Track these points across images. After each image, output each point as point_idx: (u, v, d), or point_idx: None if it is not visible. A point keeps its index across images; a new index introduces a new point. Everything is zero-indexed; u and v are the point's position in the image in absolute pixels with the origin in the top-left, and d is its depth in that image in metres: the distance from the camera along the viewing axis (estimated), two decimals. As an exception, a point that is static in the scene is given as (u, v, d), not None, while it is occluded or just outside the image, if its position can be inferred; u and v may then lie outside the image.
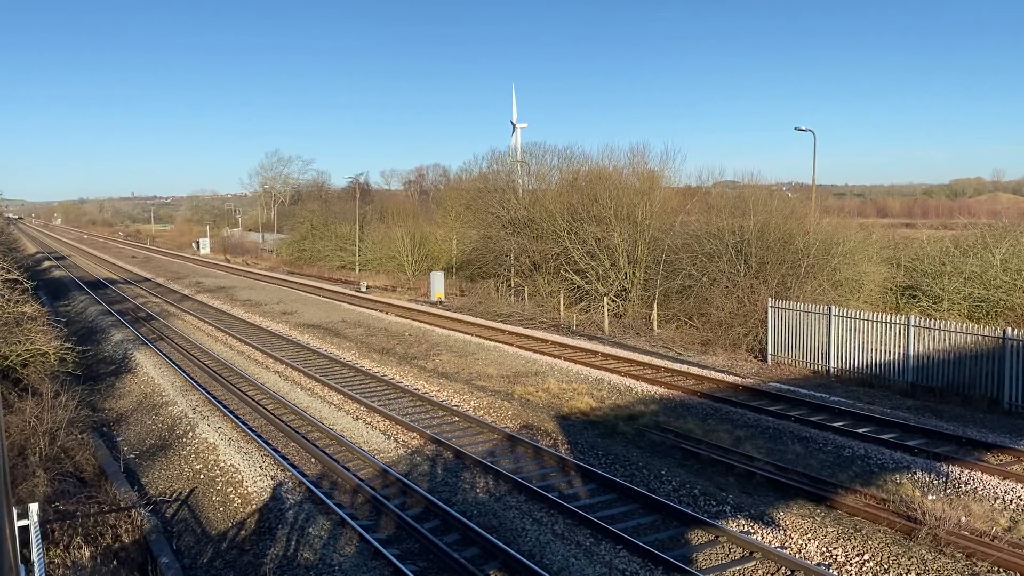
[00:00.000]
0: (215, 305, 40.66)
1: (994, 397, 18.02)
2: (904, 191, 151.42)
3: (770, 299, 24.51)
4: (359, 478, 13.91)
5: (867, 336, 21.01)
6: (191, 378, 22.60)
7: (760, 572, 10.23)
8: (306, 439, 16.41)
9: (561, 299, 35.59)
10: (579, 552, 10.80)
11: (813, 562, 10.44)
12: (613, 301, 34.02)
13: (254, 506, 13.09)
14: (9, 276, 24.74)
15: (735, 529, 11.36)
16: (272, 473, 14.39)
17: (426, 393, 20.22)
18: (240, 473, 14.54)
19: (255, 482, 13.99)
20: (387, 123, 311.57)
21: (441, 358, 24.83)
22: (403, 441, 16.30)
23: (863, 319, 21.34)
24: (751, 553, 10.64)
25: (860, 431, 15.72)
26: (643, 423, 16.92)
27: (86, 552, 11.23)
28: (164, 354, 26.48)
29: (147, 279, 57.03)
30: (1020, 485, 12.74)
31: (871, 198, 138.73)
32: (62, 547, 11.28)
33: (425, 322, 32.76)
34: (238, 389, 21.11)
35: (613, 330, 31.09)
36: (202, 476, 14.95)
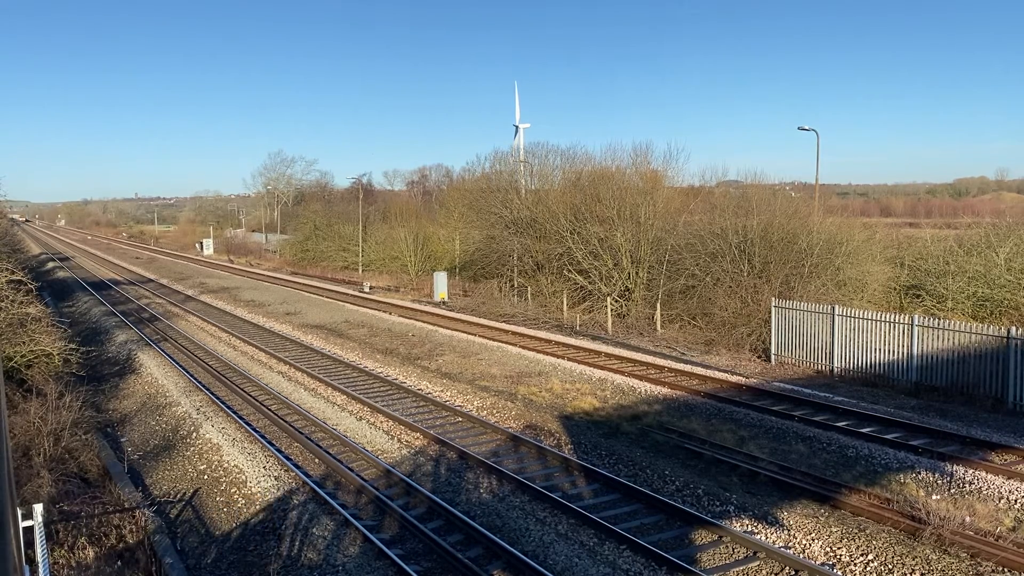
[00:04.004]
0: (218, 306, 40.72)
1: (998, 396, 17.98)
2: (908, 190, 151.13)
3: (773, 299, 24.49)
4: (362, 478, 13.93)
5: (871, 336, 20.97)
6: (195, 379, 22.64)
7: (764, 572, 10.22)
8: (310, 439, 16.42)
9: (564, 299, 35.57)
10: (583, 552, 10.80)
11: (817, 562, 10.43)
12: (616, 301, 34.01)
13: (258, 506, 13.11)
14: (13, 277, 24.78)
15: (739, 529, 11.35)
16: (276, 473, 14.41)
17: (429, 393, 20.23)
18: (244, 473, 14.56)
19: (259, 482, 14.02)
20: (390, 124, 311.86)
21: (444, 358, 24.84)
22: (406, 441, 16.31)
23: (867, 319, 21.30)
24: (755, 553, 10.63)
25: (864, 431, 15.70)
26: (647, 423, 16.91)
27: (90, 553, 11.26)
28: (168, 355, 26.52)
29: (151, 280, 57.14)
30: (1025, 485, 12.71)
31: (874, 197, 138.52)
32: (66, 548, 11.31)
33: (428, 322, 32.77)
34: (242, 390, 21.14)
35: (616, 330, 31.08)
36: (206, 477, 14.98)
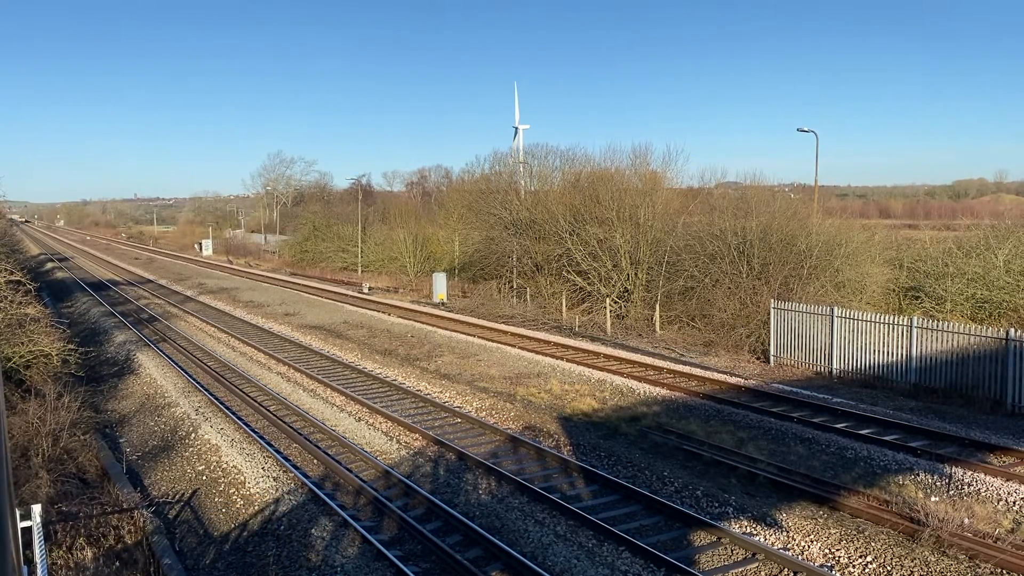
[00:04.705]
0: (217, 306, 40.70)
1: (997, 398, 18.00)
2: (907, 192, 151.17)
3: (772, 300, 24.50)
4: (361, 479, 13.92)
5: (870, 337, 20.98)
6: (194, 379, 22.63)
7: (763, 573, 10.21)
8: (308, 440, 16.42)
9: (563, 300, 35.58)
10: (581, 553, 10.80)
11: (816, 563, 10.43)
12: (615, 302, 34.02)
13: (256, 507, 13.11)
14: (12, 277, 24.78)
15: (738, 530, 11.35)
16: (275, 474, 14.41)
17: (428, 394, 20.23)
18: (242, 474, 14.56)
19: (257, 483, 14.01)
20: (389, 124, 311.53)
21: (443, 359, 24.83)
22: (405, 442, 16.31)
23: (866, 320, 21.31)
24: (754, 554, 10.63)
25: (863, 432, 15.70)
26: (646, 424, 16.91)
27: (88, 553, 11.25)
28: (167, 355, 26.51)
29: (150, 280, 57.11)
30: (1023, 486, 12.71)
31: (873, 199, 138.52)
32: (65, 548, 11.30)
33: (427, 323, 32.78)
34: (240, 390, 21.13)
35: (615, 331, 31.08)
36: (204, 477, 14.97)
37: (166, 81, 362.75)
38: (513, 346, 26.73)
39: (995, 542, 10.56)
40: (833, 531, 11.25)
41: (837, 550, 10.75)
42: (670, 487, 13.33)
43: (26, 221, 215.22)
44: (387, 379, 22.06)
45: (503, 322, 32.92)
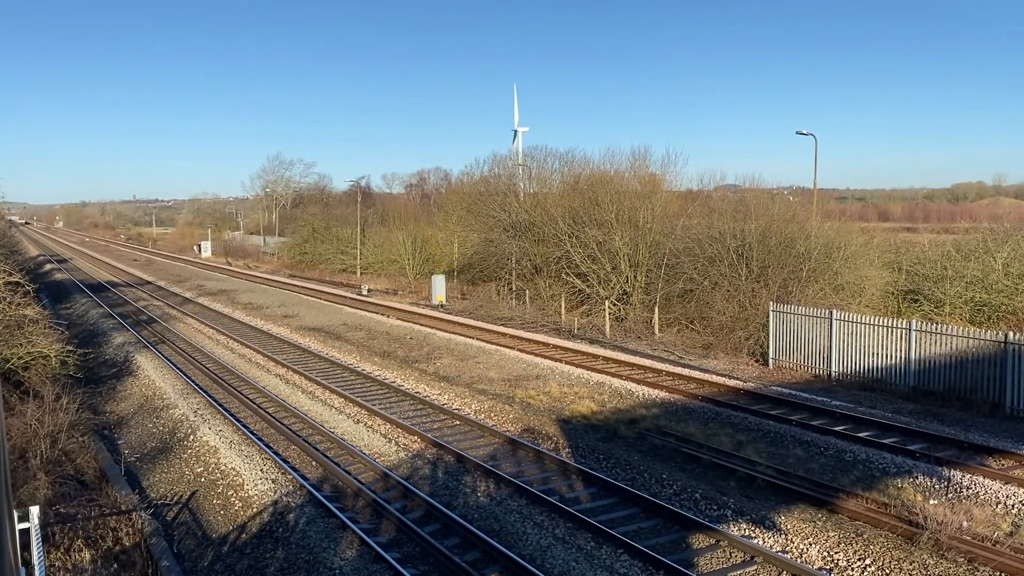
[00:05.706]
0: (216, 308, 40.67)
1: (996, 401, 18.00)
2: (905, 195, 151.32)
3: (771, 303, 24.51)
4: (360, 482, 13.90)
5: (869, 340, 20.99)
6: (192, 381, 22.61)
7: (761, 576, 10.21)
8: (307, 442, 16.40)
9: (562, 303, 35.58)
10: (580, 556, 10.79)
11: (815, 566, 10.42)
12: (614, 305, 34.02)
13: (255, 509, 13.09)
14: (11, 279, 24.76)
15: (736, 533, 11.34)
16: (273, 476, 14.39)
17: (427, 396, 20.21)
18: (241, 476, 14.54)
19: (256, 485, 14.00)
20: (389, 126, 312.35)
21: (442, 361, 24.82)
22: (404, 444, 16.29)
23: (865, 323, 21.32)
24: (752, 557, 10.63)
25: (861, 435, 15.70)
26: (644, 427, 16.91)
27: (87, 555, 11.23)
28: (165, 357, 26.48)
29: (148, 282, 57.06)
30: (1022, 489, 12.71)
31: (872, 202, 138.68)
32: (63, 550, 11.28)
33: (426, 325, 32.76)
34: (239, 392, 21.11)
35: (614, 334, 31.08)
36: (203, 479, 14.95)
37: (165, 82, 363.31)
38: (512, 348, 26.72)
39: (994, 545, 10.57)
40: (832, 534, 11.25)
41: (836, 553, 10.75)
42: (669, 489, 13.32)
43: (25, 223, 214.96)
44: (386, 381, 22.05)
45: (502, 324, 32.91)
